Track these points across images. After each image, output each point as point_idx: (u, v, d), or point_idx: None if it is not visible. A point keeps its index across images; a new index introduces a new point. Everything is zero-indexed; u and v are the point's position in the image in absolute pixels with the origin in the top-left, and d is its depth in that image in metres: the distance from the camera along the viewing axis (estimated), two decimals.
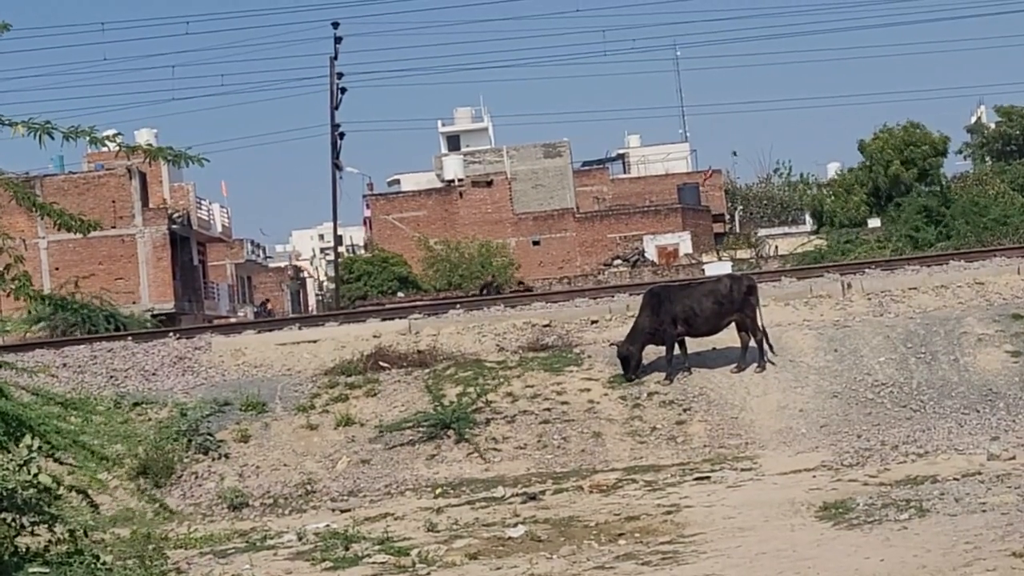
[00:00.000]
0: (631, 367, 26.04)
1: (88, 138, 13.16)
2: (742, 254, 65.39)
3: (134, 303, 57.68)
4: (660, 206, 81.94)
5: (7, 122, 12.34)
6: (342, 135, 61.29)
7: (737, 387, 25.53)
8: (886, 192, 74.73)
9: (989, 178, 75.78)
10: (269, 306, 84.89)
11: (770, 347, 26.01)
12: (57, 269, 60.38)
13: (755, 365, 25.87)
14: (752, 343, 26.01)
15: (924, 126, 77.55)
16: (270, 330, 31.45)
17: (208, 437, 25.07)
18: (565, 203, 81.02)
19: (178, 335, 31.15)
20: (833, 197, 78.79)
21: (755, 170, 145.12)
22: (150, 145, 13.39)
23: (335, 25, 60.97)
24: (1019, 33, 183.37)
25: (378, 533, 18.79)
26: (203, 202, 75.82)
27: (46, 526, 12.75)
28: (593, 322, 29.09)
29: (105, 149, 13.95)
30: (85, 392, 26.60)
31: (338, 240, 67.10)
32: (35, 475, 12.32)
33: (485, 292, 50.26)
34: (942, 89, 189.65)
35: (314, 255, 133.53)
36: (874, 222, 67.98)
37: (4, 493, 12.41)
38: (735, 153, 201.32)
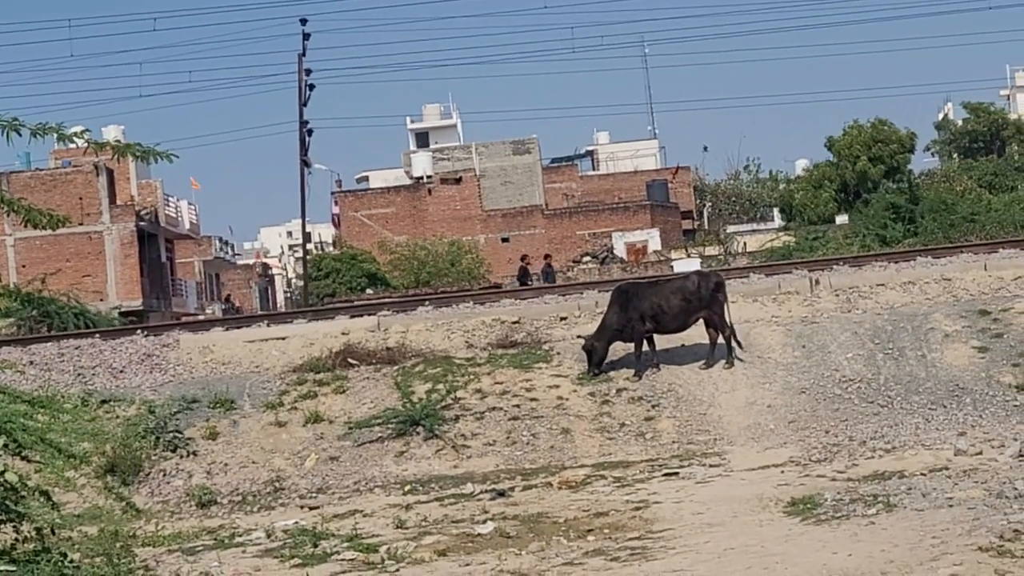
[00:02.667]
0: (594, 362, 26.14)
1: (56, 135, 13.13)
2: (711, 251, 65.44)
3: (101, 300, 57.46)
4: (629, 203, 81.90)
5: None
6: (310, 132, 61.15)
7: (706, 383, 25.59)
8: (854, 188, 75.01)
9: (956, 175, 76.10)
10: (236, 302, 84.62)
11: (738, 344, 26.09)
12: (24, 266, 60.14)
13: (723, 362, 25.95)
14: (720, 340, 26.08)
15: (892, 123, 77.88)
16: (238, 327, 31.38)
17: (176, 435, 25.03)
18: (534, 200, 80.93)
19: (146, 332, 31.05)
20: (802, 193, 79.01)
21: (724, 167, 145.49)
22: (118, 141, 13.36)
23: (303, 22, 60.82)
24: (986, 30, 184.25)
25: (347, 530, 18.81)
26: (171, 199, 75.55)
27: (12, 524, 12.69)
28: (562, 319, 29.11)
29: (73, 146, 13.91)
30: (52, 390, 26.53)
31: (307, 237, 66.95)
32: (1, 473, 12.27)
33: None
34: (910, 86, 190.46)
35: (282, 252, 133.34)
36: (842, 219, 68.18)
37: None
38: (706, 148, 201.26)
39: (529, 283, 47.33)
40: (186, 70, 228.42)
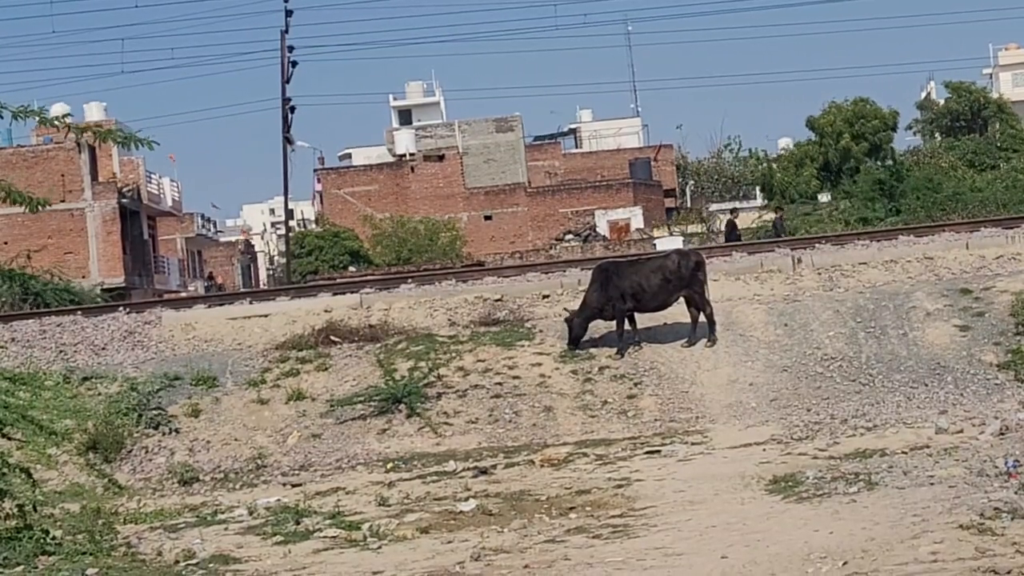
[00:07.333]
0: (571, 338, 26.19)
1: (38, 119, 13.15)
2: (693, 229, 65.47)
3: (83, 278, 57.36)
4: (611, 181, 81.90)
5: None
6: (293, 109, 61.03)
7: (688, 361, 25.62)
8: (836, 166, 74.99)
9: (940, 153, 76.14)
10: (219, 280, 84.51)
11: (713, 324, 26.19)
12: (5, 243, 59.92)
13: (705, 340, 25.99)
14: (702, 318, 26.12)
15: (874, 101, 77.82)
16: (221, 304, 31.33)
17: (158, 412, 25.01)
18: (517, 178, 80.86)
19: (128, 309, 30.99)
20: (783, 171, 78.96)
21: (706, 145, 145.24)
22: (99, 127, 13.40)
23: None
24: (969, 9, 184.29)
25: (329, 507, 18.79)
26: (153, 176, 75.36)
27: None
28: (545, 297, 29.13)
29: (55, 129, 13.97)
30: (34, 367, 26.54)
31: (289, 214, 66.87)
32: None
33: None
34: (892, 65, 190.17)
35: (265, 229, 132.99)
36: (824, 197, 68.21)
37: None
38: (679, 127, 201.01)
39: (738, 237, 45.64)
40: (168, 47, 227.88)
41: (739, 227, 48.78)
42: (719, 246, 38.74)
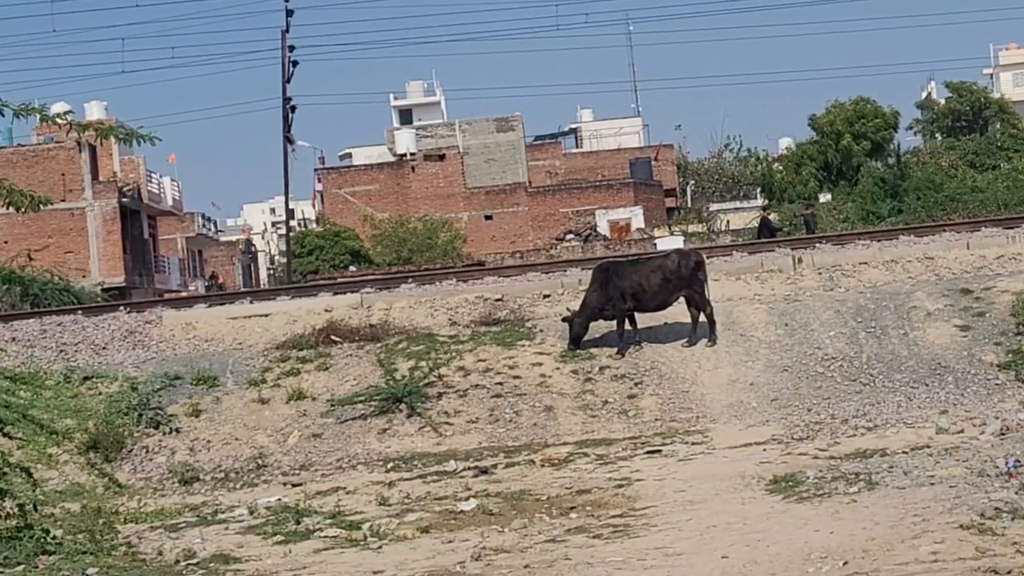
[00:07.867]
0: (571, 338, 26.19)
1: (39, 116, 13.14)
2: (694, 228, 65.48)
3: (84, 277, 57.35)
4: (612, 181, 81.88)
5: None
6: (293, 108, 61.03)
7: (688, 361, 25.61)
8: (837, 166, 75.01)
9: (940, 153, 76.17)
10: (220, 279, 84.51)
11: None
12: (6, 243, 59.90)
13: (706, 340, 25.98)
14: (702, 318, 26.11)
15: (875, 100, 77.87)
16: (221, 304, 31.34)
17: (159, 411, 25.00)
18: (517, 177, 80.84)
19: (128, 309, 30.99)
20: (783, 171, 78.98)
21: (706, 145, 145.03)
22: (100, 123, 13.45)
23: None
24: (970, 9, 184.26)
25: (330, 507, 18.80)
26: (153, 175, 75.33)
27: None
28: (545, 296, 29.12)
29: (56, 128, 13.98)
30: (35, 366, 26.55)
31: (290, 214, 66.85)
32: None
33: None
34: (892, 65, 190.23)
35: (265, 229, 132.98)
36: (825, 197, 68.22)
37: None
38: (679, 127, 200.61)
39: (774, 233, 45.37)
40: (169, 46, 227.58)
41: (773, 222, 47.98)
42: (719, 246, 38.74)
